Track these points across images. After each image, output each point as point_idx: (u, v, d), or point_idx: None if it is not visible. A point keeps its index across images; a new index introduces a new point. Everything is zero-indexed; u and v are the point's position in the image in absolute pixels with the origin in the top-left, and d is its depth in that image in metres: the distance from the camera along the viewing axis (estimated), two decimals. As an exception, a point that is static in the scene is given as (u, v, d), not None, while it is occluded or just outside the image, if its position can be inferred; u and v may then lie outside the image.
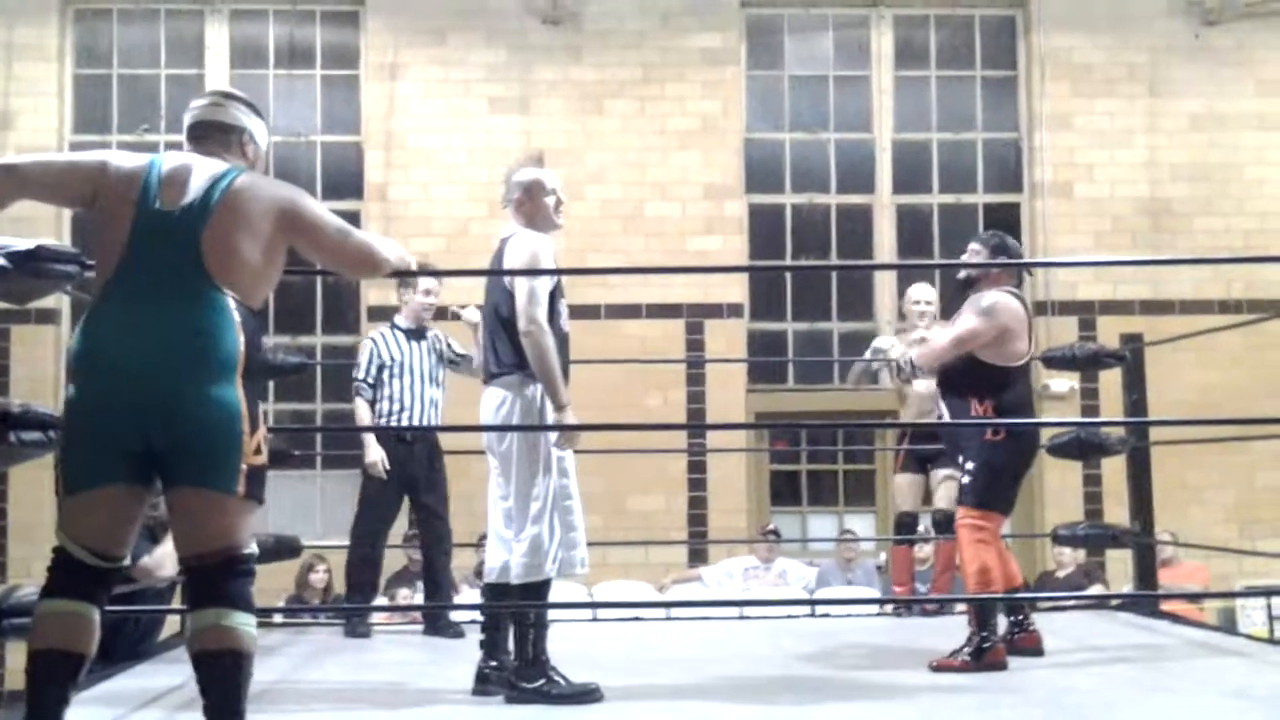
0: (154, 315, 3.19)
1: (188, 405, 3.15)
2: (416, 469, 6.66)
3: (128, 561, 3.37)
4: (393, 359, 6.68)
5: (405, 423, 6.61)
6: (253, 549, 3.29)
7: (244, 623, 3.20)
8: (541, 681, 4.46)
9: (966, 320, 5.35)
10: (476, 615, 5.03)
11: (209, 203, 3.29)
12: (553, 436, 4.55)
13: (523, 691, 4.45)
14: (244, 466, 3.20)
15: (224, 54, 11.02)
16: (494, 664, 4.68)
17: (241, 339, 3.24)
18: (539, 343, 4.52)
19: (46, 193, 3.46)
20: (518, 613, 4.55)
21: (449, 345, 6.87)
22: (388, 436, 6.63)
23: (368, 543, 6.65)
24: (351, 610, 6.55)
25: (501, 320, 4.65)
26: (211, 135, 3.54)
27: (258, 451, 3.24)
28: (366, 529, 6.68)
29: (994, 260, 5.42)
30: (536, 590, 4.53)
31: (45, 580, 3.25)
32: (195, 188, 3.32)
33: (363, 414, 6.73)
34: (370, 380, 6.69)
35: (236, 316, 3.24)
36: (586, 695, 4.46)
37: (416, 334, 6.78)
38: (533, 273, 4.55)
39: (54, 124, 10.76)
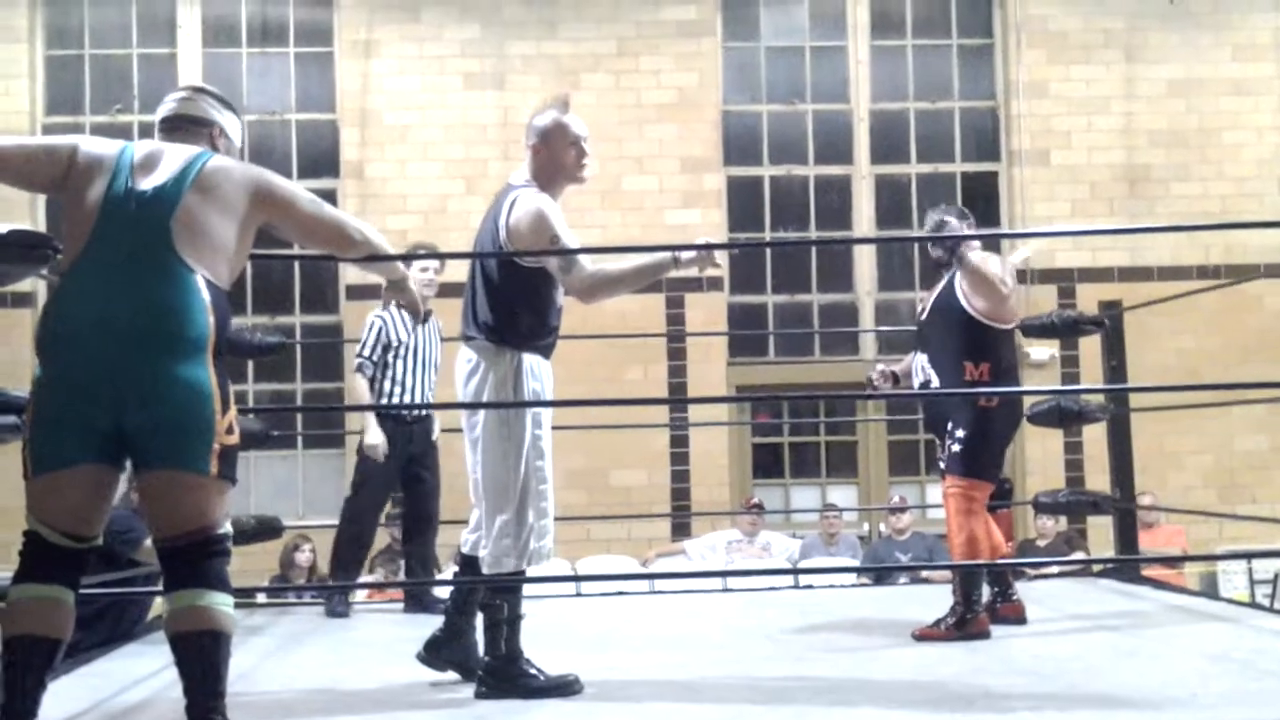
0: (124, 294, 3.17)
1: (159, 386, 3.14)
2: (415, 449, 6.50)
3: (100, 541, 3.35)
4: (399, 340, 6.49)
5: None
6: (227, 529, 3.27)
7: (221, 603, 3.18)
8: (516, 677, 4.14)
9: (992, 267, 5.20)
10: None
11: (182, 183, 3.29)
12: (527, 415, 4.17)
13: (496, 689, 4.13)
14: (216, 446, 3.18)
15: (196, 33, 10.93)
16: (450, 635, 4.42)
17: (212, 319, 3.22)
18: (609, 282, 4.21)
19: (20, 174, 3.45)
20: (487, 606, 4.20)
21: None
22: (388, 418, 6.46)
23: (359, 521, 6.52)
24: (333, 589, 6.50)
25: (485, 276, 4.21)
26: (184, 128, 3.54)
27: (229, 431, 3.23)
28: (360, 507, 6.53)
29: (968, 228, 5.41)
30: (508, 580, 4.17)
31: (18, 565, 3.23)
32: (168, 170, 3.32)
33: (362, 392, 6.51)
34: (375, 358, 6.48)
35: (207, 296, 3.22)
36: (565, 688, 4.14)
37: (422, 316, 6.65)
38: (516, 255, 4.14)
39: (26, 106, 10.67)
